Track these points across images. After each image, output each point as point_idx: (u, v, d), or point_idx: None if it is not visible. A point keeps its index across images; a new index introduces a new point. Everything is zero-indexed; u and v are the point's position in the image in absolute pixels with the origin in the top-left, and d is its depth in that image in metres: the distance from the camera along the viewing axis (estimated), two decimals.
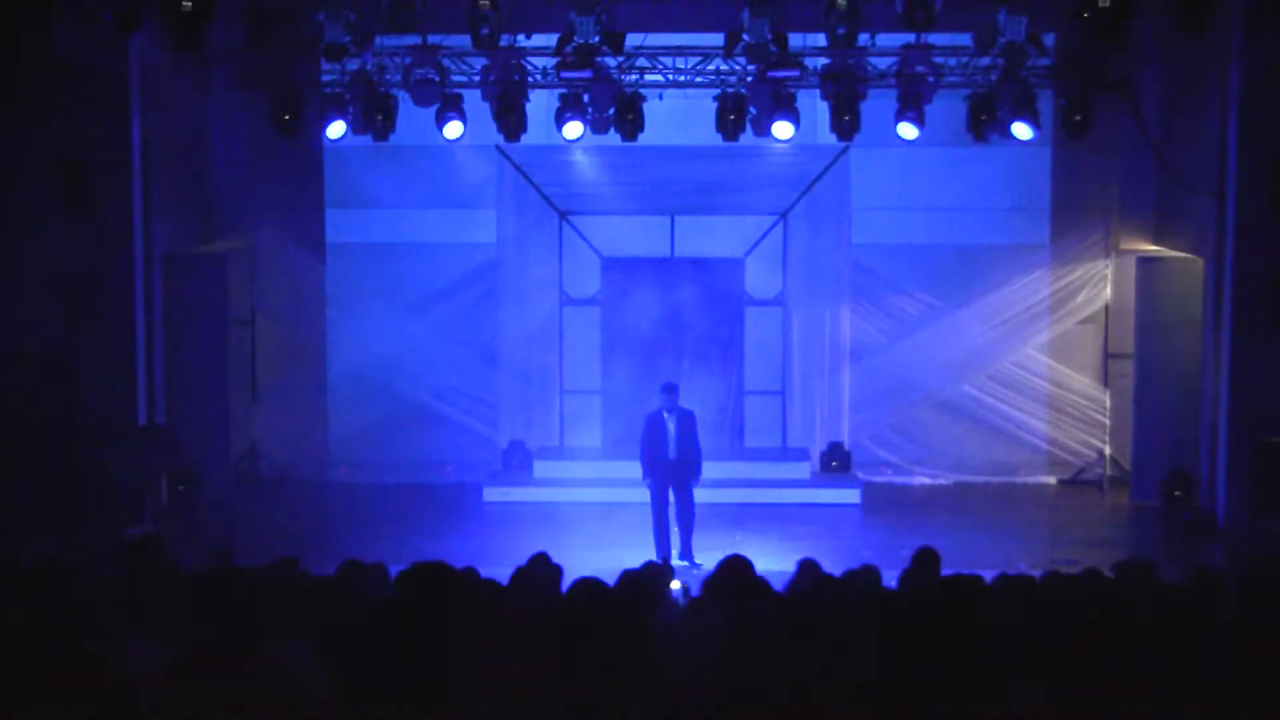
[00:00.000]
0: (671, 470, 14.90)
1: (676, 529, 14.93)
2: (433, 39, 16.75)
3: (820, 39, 15.80)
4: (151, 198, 16.97)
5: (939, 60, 16.87)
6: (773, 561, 13.86)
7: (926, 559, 9.96)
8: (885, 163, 18.77)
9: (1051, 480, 19.13)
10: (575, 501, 17.38)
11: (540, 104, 17.58)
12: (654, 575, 9.14)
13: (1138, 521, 17.33)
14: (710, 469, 15.28)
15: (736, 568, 7.87)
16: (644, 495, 15.19)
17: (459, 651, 5.57)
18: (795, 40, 16.22)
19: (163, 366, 17.49)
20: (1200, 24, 13.88)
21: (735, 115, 17.25)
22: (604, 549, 14.66)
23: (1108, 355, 19.18)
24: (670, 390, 15.05)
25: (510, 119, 17.17)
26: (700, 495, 15.10)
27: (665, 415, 14.98)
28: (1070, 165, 18.81)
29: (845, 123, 16.83)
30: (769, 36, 15.00)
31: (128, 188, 16.50)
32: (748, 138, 17.53)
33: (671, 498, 14.94)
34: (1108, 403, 19.04)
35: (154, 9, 13.90)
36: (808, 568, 9.50)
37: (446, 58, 17.14)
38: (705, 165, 18.57)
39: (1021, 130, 17.12)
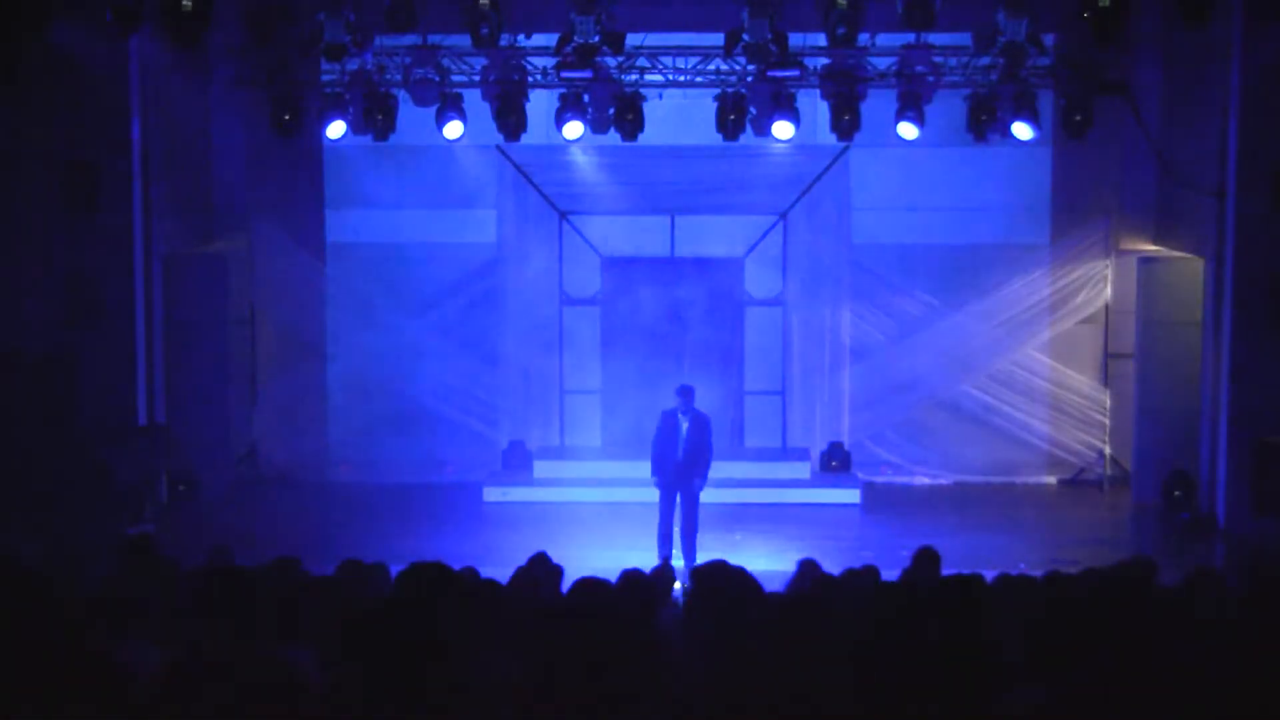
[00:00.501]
0: (678, 470, 14.92)
1: (678, 531, 14.94)
2: (433, 39, 16.76)
3: (820, 39, 15.80)
4: (151, 198, 16.97)
5: (939, 60, 16.87)
6: (773, 561, 13.95)
7: (926, 559, 9.96)
8: (885, 163, 18.76)
9: (1051, 480, 19.13)
10: (575, 501, 17.38)
11: (540, 104, 17.58)
12: (656, 575, 9.14)
13: (1138, 521, 17.33)
14: (711, 469, 15.27)
15: (716, 574, 7.80)
16: (644, 495, 15.24)
17: (459, 651, 5.56)
18: (795, 40, 16.22)
19: (163, 366, 17.49)
20: (1202, 21, 13.87)
21: (735, 115, 17.25)
22: (604, 549, 14.67)
23: (1108, 355, 19.17)
24: (685, 393, 15.04)
25: (510, 119, 17.17)
26: (701, 495, 15.09)
27: (680, 416, 15.00)
28: (1070, 165, 18.80)
29: (845, 123, 16.84)
30: (769, 36, 15.01)
31: (128, 188, 16.51)
32: (748, 138, 17.53)
33: (679, 499, 14.96)
34: (1108, 403, 19.03)
35: (154, 9, 13.90)
36: (808, 568, 9.51)
37: (446, 58, 17.14)
38: (705, 165, 18.57)
39: (1021, 130, 17.13)
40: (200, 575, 7.57)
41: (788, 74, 16.56)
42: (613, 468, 17.96)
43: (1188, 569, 8.26)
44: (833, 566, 9.71)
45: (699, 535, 14.92)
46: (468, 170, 19.07)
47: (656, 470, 15.03)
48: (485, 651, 5.97)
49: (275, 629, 6.54)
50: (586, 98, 17.17)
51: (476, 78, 17.25)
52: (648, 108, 17.36)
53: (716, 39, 16.32)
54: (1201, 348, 16.91)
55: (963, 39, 16.40)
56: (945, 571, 9.43)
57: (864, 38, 15.76)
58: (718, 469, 15.46)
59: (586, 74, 16.47)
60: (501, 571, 8.93)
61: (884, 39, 16.53)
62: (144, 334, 16.99)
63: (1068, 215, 19.03)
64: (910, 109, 16.95)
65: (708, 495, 15.30)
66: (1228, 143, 15.98)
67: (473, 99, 17.37)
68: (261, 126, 17.72)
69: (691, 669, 5.91)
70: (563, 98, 17.29)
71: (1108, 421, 18.99)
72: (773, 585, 8.23)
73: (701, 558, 14.53)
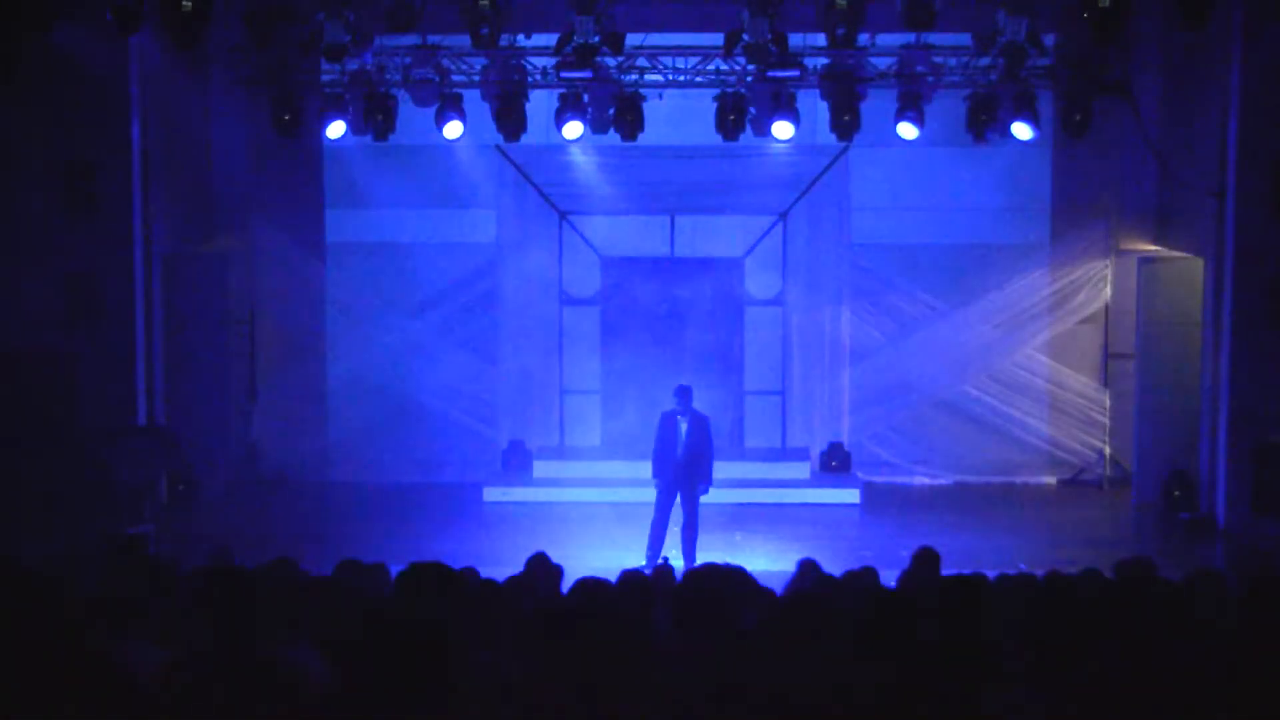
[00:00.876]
0: (679, 472, 14.82)
1: (678, 531, 14.86)
2: (433, 39, 16.76)
3: (820, 39, 15.80)
4: (151, 198, 16.97)
5: (939, 60, 16.87)
6: (773, 561, 13.95)
7: (926, 559, 9.95)
8: (885, 163, 18.76)
9: (1051, 480, 19.13)
10: (575, 501, 17.37)
11: (540, 104, 17.57)
12: (655, 575, 9.14)
13: (1138, 521, 17.33)
14: (713, 470, 15.23)
15: (709, 577, 7.78)
16: (644, 495, 15.17)
17: (459, 651, 5.56)
18: (795, 40, 16.22)
19: (163, 366, 17.49)
20: (1202, 22, 13.86)
21: (735, 115, 17.24)
22: (604, 549, 14.67)
23: (1108, 355, 19.18)
24: (683, 393, 14.93)
25: (510, 119, 17.17)
26: (701, 496, 15.04)
27: (679, 418, 14.92)
28: (1070, 165, 18.81)
29: (845, 123, 16.83)
30: (769, 36, 15.00)
31: (128, 188, 16.50)
32: (748, 138, 17.53)
33: (679, 501, 14.89)
34: (1108, 403, 19.03)
35: (154, 9, 13.90)
36: (808, 568, 9.51)
37: (446, 58, 17.14)
38: (705, 165, 18.57)
39: (1021, 130, 17.13)
40: (200, 575, 7.57)
41: (788, 74, 16.55)
42: (613, 468, 17.95)
43: (1188, 569, 8.26)
44: (833, 566, 9.71)
45: (699, 537, 14.88)
46: (467, 170, 19.08)
47: (657, 473, 14.94)
48: (485, 651, 5.97)
49: (275, 629, 6.53)
50: (586, 98, 17.17)
51: (476, 78, 17.25)
52: (648, 108, 17.36)
53: (716, 39, 16.31)
54: (1201, 348, 16.91)
55: (963, 39, 16.40)
56: (945, 571, 9.43)
57: (864, 38, 15.76)
58: (718, 469, 15.42)
59: (586, 74, 16.46)
60: (501, 571, 8.93)
61: (884, 39, 16.53)
62: (144, 334, 16.99)
63: (1068, 215, 19.03)
64: (910, 109, 16.95)
65: (709, 495, 15.26)
66: (1228, 143, 15.98)
67: (473, 99, 17.37)
68: (261, 126, 17.73)
69: (689, 670, 5.91)
70: (563, 98, 17.29)
71: (1108, 421, 19.00)
72: (773, 585, 8.23)
73: (702, 558, 14.52)
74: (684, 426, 14.87)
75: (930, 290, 19.17)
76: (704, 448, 14.90)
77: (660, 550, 14.68)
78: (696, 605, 6.98)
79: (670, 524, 14.85)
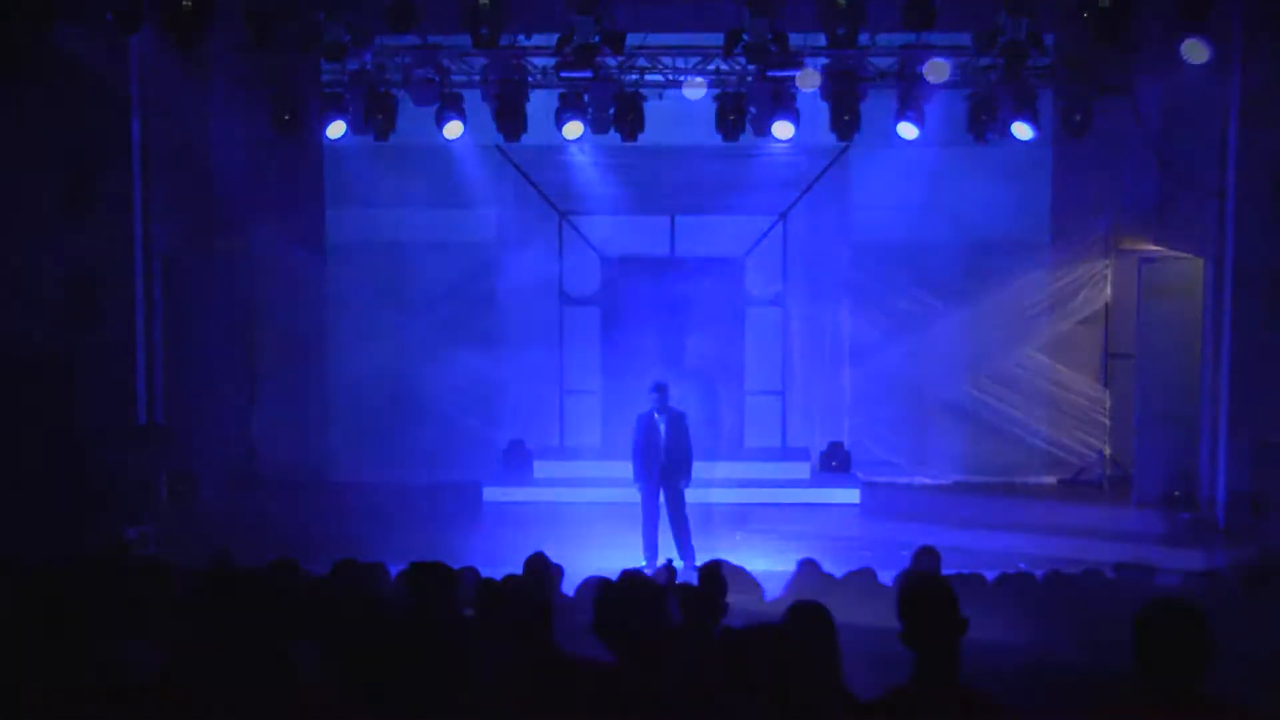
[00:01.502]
0: (663, 473, 14.72)
1: (671, 532, 14.81)
2: (433, 39, 16.76)
3: (820, 38, 15.80)
4: (151, 198, 16.97)
5: (939, 60, 16.85)
6: (773, 561, 13.92)
7: (926, 559, 9.96)
8: (885, 162, 18.74)
9: (1051, 480, 19.14)
10: (575, 501, 17.37)
11: (540, 104, 17.57)
12: (656, 575, 9.15)
13: (1138, 521, 17.33)
14: (710, 469, 15.22)
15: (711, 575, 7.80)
16: None
17: (459, 651, 5.57)
18: (795, 40, 16.22)
19: (163, 366, 17.50)
20: (1201, 21, 13.86)
21: (735, 115, 17.25)
22: (604, 549, 14.65)
23: (1108, 355, 19.18)
24: (660, 390, 14.81)
25: (510, 119, 17.18)
26: (700, 495, 14.99)
27: (656, 416, 14.78)
28: (1070, 165, 18.79)
29: (845, 122, 16.83)
30: (769, 36, 15.00)
31: (128, 188, 16.51)
32: (748, 137, 17.54)
33: (663, 499, 14.78)
34: (1108, 403, 19.04)
35: (154, 9, 13.90)
36: (808, 568, 9.52)
37: (446, 58, 17.15)
38: (705, 165, 18.58)
39: (1021, 130, 17.12)
40: (200, 575, 7.57)
41: (788, 74, 16.56)
42: (612, 467, 17.91)
43: (1188, 569, 8.26)
44: (833, 566, 9.73)
45: (696, 535, 14.84)
46: (468, 170, 19.09)
47: (640, 476, 14.79)
48: (485, 651, 5.98)
49: (275, 629, 6.53)
50: (586, 98, 17.18)
51: (476, 78, 17.26)
52: (648, 108, 17.36)
53: (716, 39, 16.31)
54: (1201, 348, 16.91)
55: (963, 39, 16.40)
56: (945, 571, 9.44)
57: (864, 37, 15.75)
58: (718, 469, 15.41)
59: (586, 74, 16.46)
60: (501, 571, 8.92)
61: (884, 39, 16.53)
62: (144, 334, 16.99)
63: (1068, 215, 19.02)
64: (910, 109, 16.95)
65: (710, 495, 15.23)
66: (1227, 143, 15.98)
67: (473, 99, 17.38)
68: (261, 126, 17.71)
69: (689, 669, 5.91)
70: (563, 98, 17.29)
71: (1108, 421, 19.00)
72: (773, 585, 8.24)
73: (702, 559, 14.51)
74: (663, 426, 14.74)
75: (930, 290, 19.17)
76: (684, 444, 14.78)
77: (657, 551, 14.64)
78: (697, 604, 6.99)
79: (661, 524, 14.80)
